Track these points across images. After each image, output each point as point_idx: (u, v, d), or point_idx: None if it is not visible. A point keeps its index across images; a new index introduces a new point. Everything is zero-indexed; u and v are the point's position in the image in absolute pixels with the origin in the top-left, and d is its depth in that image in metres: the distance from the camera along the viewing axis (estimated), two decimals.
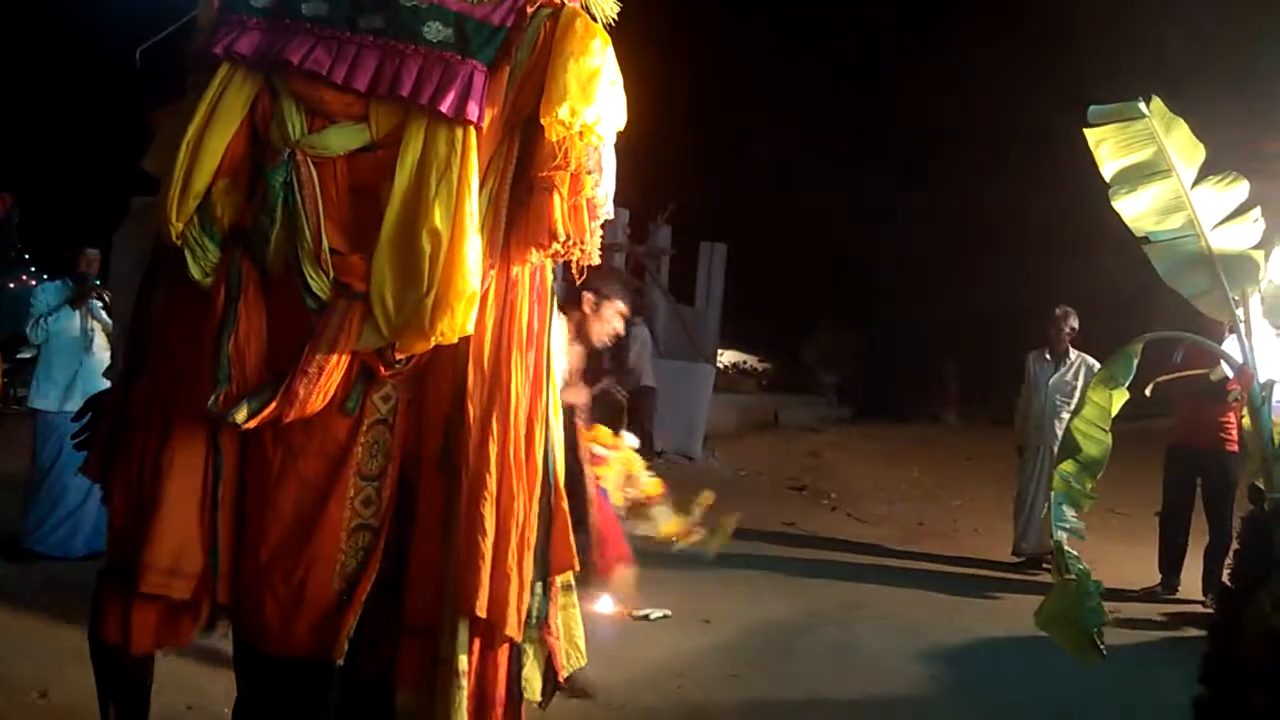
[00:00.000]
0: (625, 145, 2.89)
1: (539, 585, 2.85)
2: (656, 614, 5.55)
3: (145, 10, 3.33)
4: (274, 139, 2.70)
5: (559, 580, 2.99)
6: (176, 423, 2.71)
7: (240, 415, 2.59)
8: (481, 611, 2.65)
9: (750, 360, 20.98)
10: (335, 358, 2.64)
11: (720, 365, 16.73)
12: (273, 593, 2.69)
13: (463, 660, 2.69)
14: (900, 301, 18.82)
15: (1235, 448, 6.68)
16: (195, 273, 2.68)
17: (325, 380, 2.64)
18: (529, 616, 2.81)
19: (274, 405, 2.60)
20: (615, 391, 10.24)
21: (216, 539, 2.73)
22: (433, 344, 2.66)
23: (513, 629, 2.71)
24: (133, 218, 3.58)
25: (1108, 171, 3.61)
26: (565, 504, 2.97)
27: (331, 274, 2.65)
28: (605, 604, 5.52)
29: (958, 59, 18.60)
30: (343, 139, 2.70)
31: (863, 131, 20.18)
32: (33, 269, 20.62)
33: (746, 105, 21.46)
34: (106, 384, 3.36)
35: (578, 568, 3.03)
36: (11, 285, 18.79)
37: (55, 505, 6.03)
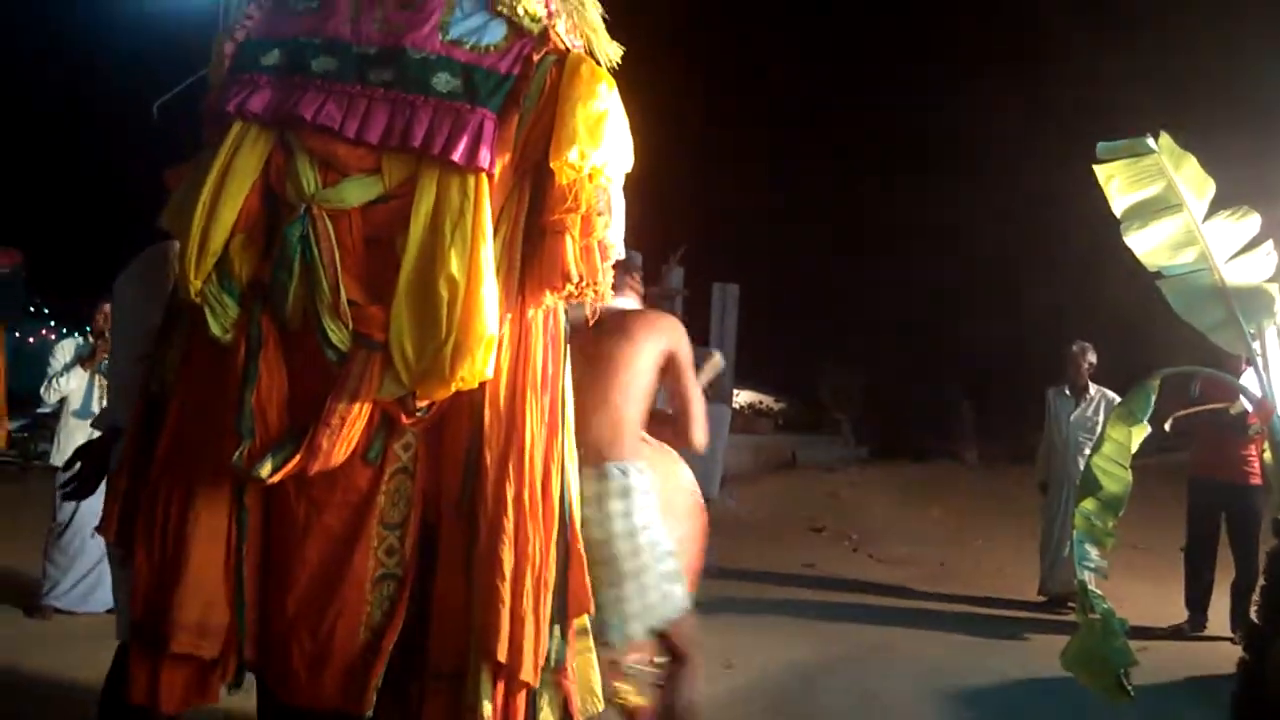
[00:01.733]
0: (636, 187, 2.94)
1: (556, 628, 2.83)
2: None
3: (159, 65, 3.40)
4: (289, 194, 2.73)
5: (575, 624, 2.97)
6: (200, 479, 2.71)
7: (265, 470, 2.60)
8: (502, 656, 2.64)
9: (766, 400, 20.95)
10: (357, 408, 2.65)
11: (736, 406, 16.70)
12: (300, 646, 2.69)
13: (487, 707, 2.67)
14: (915, 339, 18.80)
15: (1259, 480, 6.61)
16: (215, 329, 2.70)
17: (348, 431, 2.65)
18: (547, 660, 2.78)
19: (298, 458, 2.61)
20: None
21: (242, 595, 2.73)
22: (453, 390, 2.68)
23: (529, 674, 2.69)
24: (134, 270, 3.62)
25: (1118, 207, 3.62)
26: (581, 546, 2.97)
27: (350, 325, 2.67)
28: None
29: (968, 94, 18.72)
30: (357, 191, 2.73)
31: (873, 168, 20.29)
32: (51, 323, 20.86)
33: (757, 145, 21.62)
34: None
35: (592, 611, 3.01)
36: (31, 340, 18.99)
37: (75, 561, 6.05)
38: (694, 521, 3.59)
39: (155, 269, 3.53)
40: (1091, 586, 3.37)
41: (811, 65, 21.00)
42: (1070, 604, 7.11)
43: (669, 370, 3.42)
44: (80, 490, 3.36)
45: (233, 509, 2.74)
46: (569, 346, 2.98)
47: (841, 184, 20.37)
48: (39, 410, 9.32)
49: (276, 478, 2.62)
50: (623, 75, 2.89)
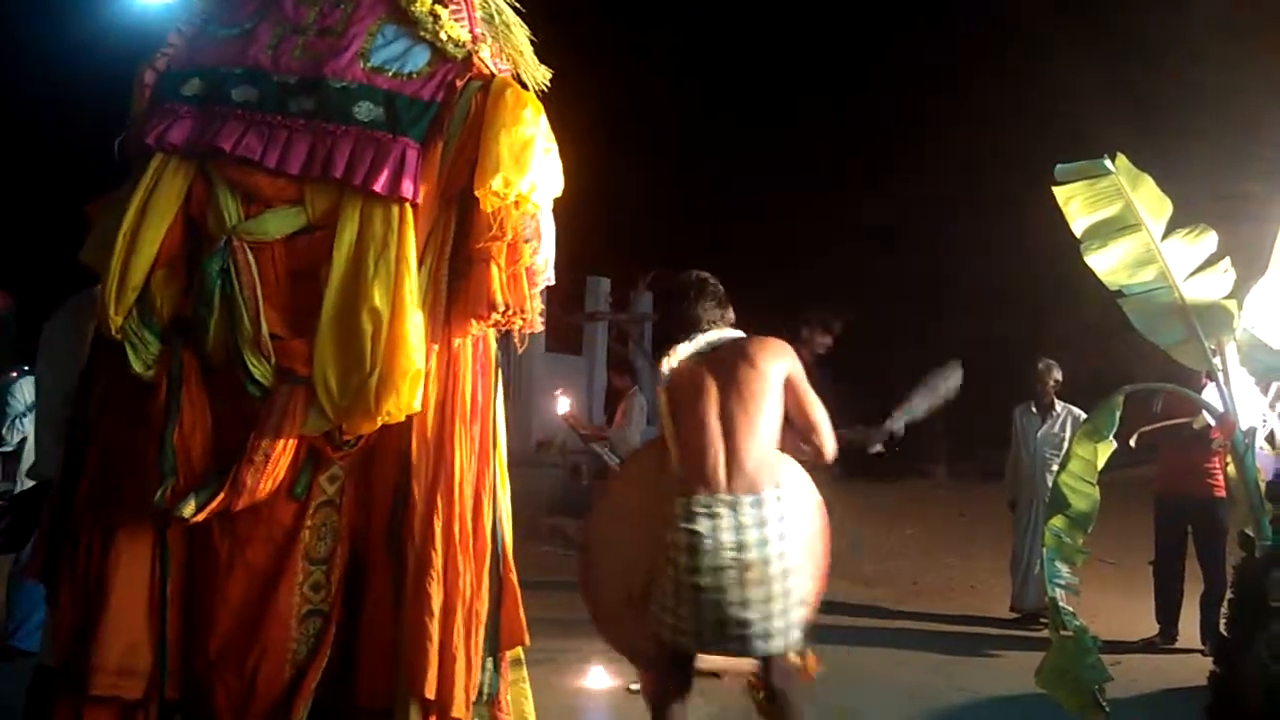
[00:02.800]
0: (604, 213, 2.92)
1: (489, 661, 2.80)
2: None
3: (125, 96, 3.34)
4: (211, 226, 2.68)
5: (509, 655, 2.95)
6: (122, 519, 2.65)
7: (188, 509, 2.54)
8: (430, 693, 2.60)
9: None
10: (281, 443, 2.60)
11: None
12: (224, 685, 2.63)
13: None
14: (881, 359, 18.94)
15: (1223, 493, 6.69)
16: (137, 366, 2.64)
17: (273, 467, 2.60)
18: (480, 693, 2.76)
19: (222, 496, 2.56)
20: (608, 457, 10.23)
21: (165, 635, 2.66)
22: (379, 424, 2.64)
23: (460, 710, 2.65)
24: (66, 311, 3.56)
25: (1078, 227, 3.68)
26: (514, 576, 2.94)
27: (273, 359, 2.63)
28: (599, 678, 5.45)
29: (932, 116, 18.95)
30: (279, 223, 2.68)
31: (838, 190, 20.47)
32: (25, 367, 20.41)
33: (724, 169, 21.75)
34: None
35: (527, 642, 2.99)
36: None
37: (39, 602, 5.93)
38: (825, 536, 3.56)
39: (87, 312, 3.48)
40: (1063, 603, 3.39)
41: (784, 82, 21.20)
42: (1042, 619, 7.15)
43: (790, 389, 3.39)
44: (11, 542, 3.30)
45: (155, 548, 2.67)
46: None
47: (814, 203, 20.52)
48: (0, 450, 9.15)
49: (200, 516, 2.56)
50: (582, 98, 2.87)
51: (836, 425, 3.42)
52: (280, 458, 2.61)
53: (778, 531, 3.21)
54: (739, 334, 3.50)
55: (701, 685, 5.61)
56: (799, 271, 21.09)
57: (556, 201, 2.92)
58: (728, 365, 3.31)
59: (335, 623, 2.71)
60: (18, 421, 6.22)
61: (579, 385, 12.19)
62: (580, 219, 3.00)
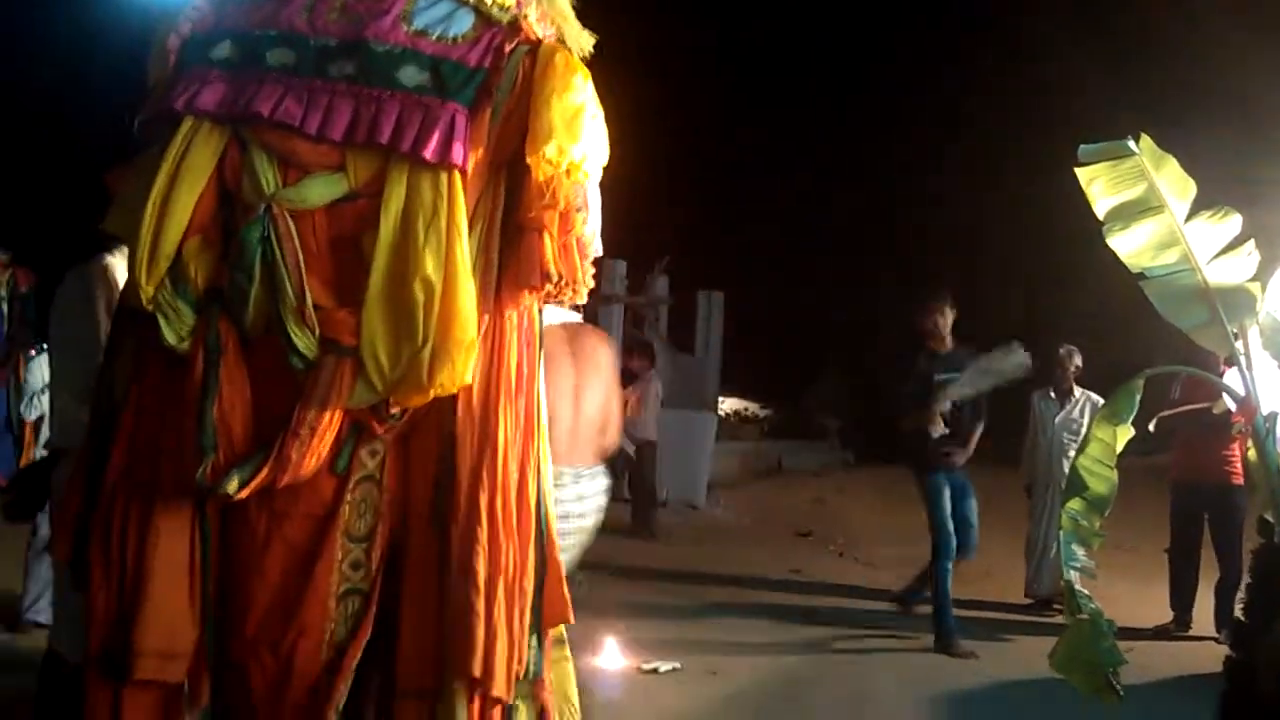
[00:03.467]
0: (621, 196, 2.86)
1: (533, 639, 2.74)
2: (665, 667, 5.48)
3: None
4: (246, 194, 2.59)
5: (552, 633, 2.89)
6: (159, 497, 2.56)
7: (232, 486, 2.46)
8: (476, 671, 2.53)
9: (751, 407, 20.94)
10: (327, 416, 2.52)
11: (722, 413, 16.70)
12: (260, 665, 2.55)
13: None
14: (899, 343, 18.86)
15: (1240, 480, 6.65)
16: (170, 338, 2.55)
17: (318, 441, 2.52)
18: (526, 672, 2.69)
19: (266, 472, 2.48)
20: (624, 443, 10.26)
21: (210, 613, 2.59)
22: (431, 397, 2.56)
23: (501, 689, 2.58)
24: (75, 276, 3.51)
25: (1100, 209, 3.64)
26: (559, 554, 2.88)
27: (317, 330, 2.53)
28: (613, 657, 5.46)
29: (949, 102, 18.84)
30: (321, 190, 2.59)
31: (858, 173, 20.37)
32: (44, 344, 20.55)
33: (740, 153, 21.67)
34: None
35: (571, 620, 2.92)
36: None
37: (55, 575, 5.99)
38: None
39: (97, 276, 3.41)
40: (1078, 586, 3.37)
41: (796, 70, 21.08)
42: (1056, 605, 7.14)
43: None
44: (18, 513, 3.28)
45: (194, 525, 2.59)
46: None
47: (826, 190, 20.43)
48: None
49: (244, 493, 2.48)
50: (600, 74, 2.83)
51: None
52: (326, 431, 2.52)
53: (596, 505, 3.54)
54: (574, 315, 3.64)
55: (715, 666, 5.64)
56: (815, 258, 21.03)
57: None
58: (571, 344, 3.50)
59: (375, 603, 2.62)
60: (35, 398, 6.27)
61: None
62: (600, 200, 2.95)
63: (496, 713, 2.64)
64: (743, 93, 21.48)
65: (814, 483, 14.20)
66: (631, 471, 10.35)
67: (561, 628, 2.97)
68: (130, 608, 2.53)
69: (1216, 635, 6.47)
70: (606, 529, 11.02)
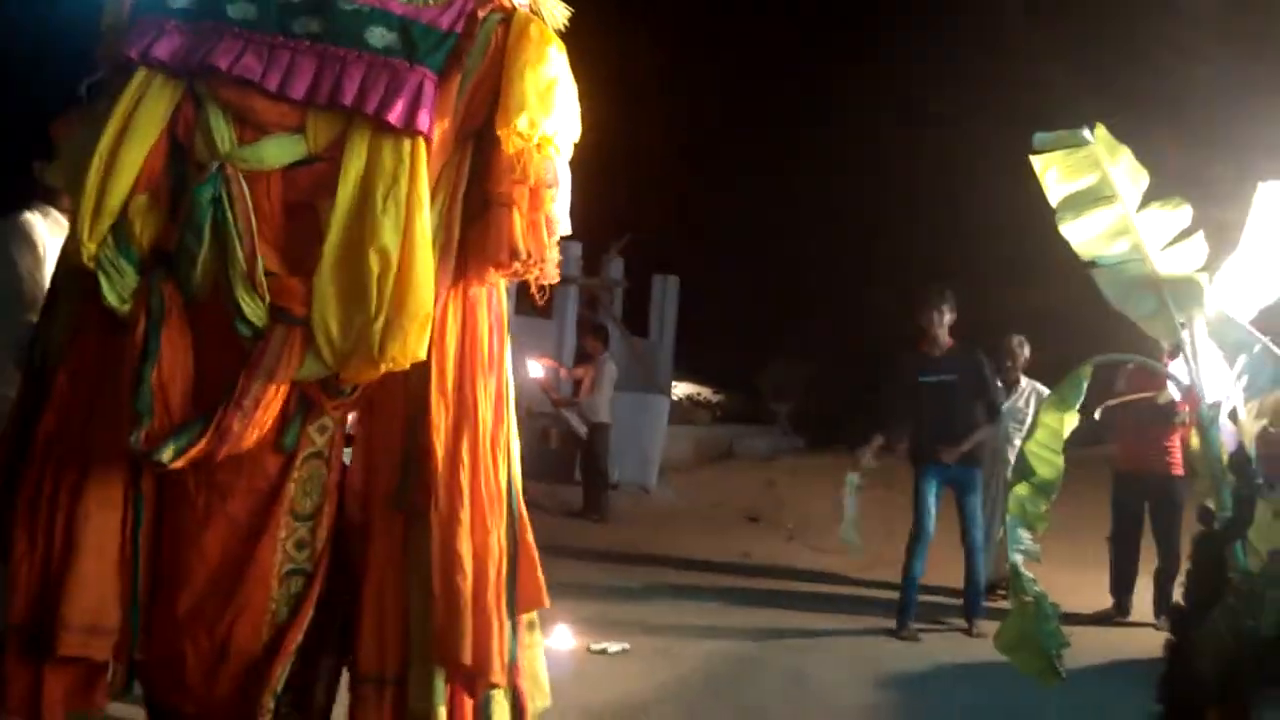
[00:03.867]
0: (577, 176, 2.79)
1: (509, 624, 2.68)
2: (615, 648, 5.48)
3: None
4: (199, 151, 2.49)
5: (524, 618, 2.84)
6: (91, 462, 2.46)
7: (166, 454, 2.37)
8: (467, 659, 2.46)
9: (704, 391, 21.01)
10: (273, 388, 2.44)
11: (674, 397, 16.73)
12: (194, 645, 2.46)
13: (441, 712, 2.51)
14: (849, 330, 19.00)
15: (1180, 471, 6.79)
16: (111, 298, 2.45)
17: (262, 414, 2.43)
18: (507, 658, 2.64)
19: (204, 442, 2.39)
20: (575, 424, 10.23)
21: (137, 590, 2.50)
22: (383, 371, 2.48)
23: (498, 674, 2.53)
24: (11, 231, 3.38)
25: (1054, 197, 3.66)
26: (530, 536, 2.83)
27: (267, 298, 2.46)
28: (563, 638, 5.45)
29: (906, 86, 18.97)
30: (278, 151, 2.51)
31: (813, 157, 20.45)
32: None
33: (697, 136, 21.65)
34: None
35: (546, 604, 2.88)
36: None
37: None
38: None
39: (14, 235, 3.29)
40: (1023, 570, 3.41)
41: (758, 54, 21.08)
42: (1000, 590, 7.25)
43: None
44: None
45: (128, 495, 2.50)
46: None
47: (781, 173, 20.49)
48: None
49: (179, 463, 2.39)
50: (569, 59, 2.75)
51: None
52: (271, 404, 2.45)
53: None
54: None
55: (665, 647, 5.65)
56: (769, 246, 21.11)
57: None
58: None
59: (319, 583, 2.56)
60: None
61: (548, 349, 12.16)
62: None
63: (470, 701, 2.60)
64: (703, 75, 21.45)
65: (765, 467, 14.25)
66: (583, 453, 10.33)
67: (534, 613, 2.90)
68: (56, 579, 2.42)
69: (1155, 621, 6.61)
70: (558, 510, 11.02)
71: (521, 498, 2.83)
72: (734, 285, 20.38)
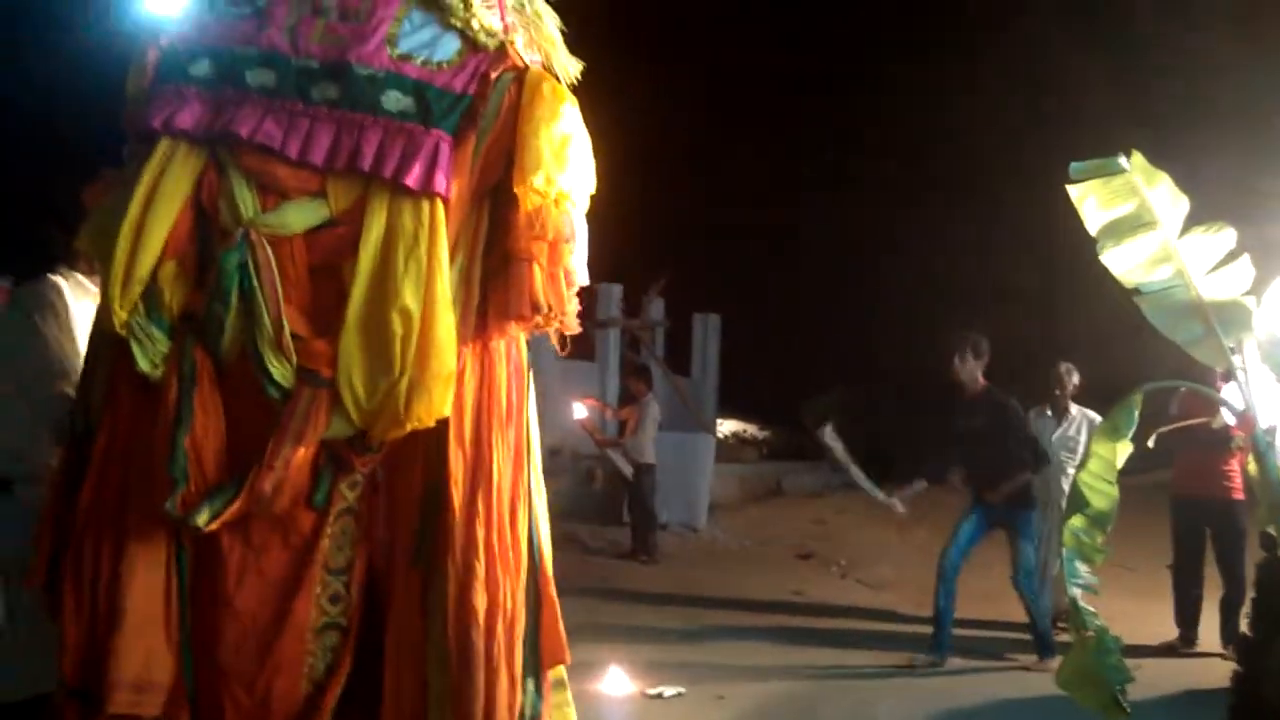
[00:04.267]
0: (616, 219, 2.83)
1: (530, 681, 2.67)
2: (670, 692, 5.45)
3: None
4: (224, 218, 2.54)
5: (551, 675, 2.81)
6: (133, 525, 2.50)
7: (202, 518, 2.42)
8: (478, 714, 2.47)
9: (750, 429, 20.91)
10: (303, 449, 2.47)
11: (720, 435, 16.68)
12: (234, 702, 2.48)
13: None
14: (897, 362, 18.86)
15: (1241, 495, 6.65)
16: (144, 364, 2.50)
17: (293, 474, 2.47)
18: (522, 715, 2.62)
19: (238, 504, 2.43)
20: (621, 464, 10.23)
21: (189, 645, 2.53)
22: (408, 429, 2.51)
23: None
24: (14, 307, 3.42)
25: (1093, 226, 3.65)
26: (553, 590, 2.82)
27: (294, 360, 2.49)
28: (618, 683, 5.43)
29: (947, 115, 18.93)
30: (300, 216, 2.55)
31: (851, 193, 20.44)
32: None
33: (736, 175, 21.75)
34: None
35: (569, 660, 2.86)
36: None
37: None
38: None
39: (38, 304, 3.30)
40: (1083, 603, 3.35)
41: (792, 92, 21.19)
42: (1060, 624, 7.11)
43: None
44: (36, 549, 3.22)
45: (171, 551, 2.53)
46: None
47: (820, 211, 20.49)
48: None
49: (214, 525, 2.43)
50: (596, 96, 2.80)
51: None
52: (301, 464, 2.48)
53: None
54: None
55: (721, 690, 5.60)
56: (812, 279, 21.06)
57: None
58: None
59: (354, 636, 2.58)
60: None
61: (592, 392, 12.19)
62: (592, 226, 2.93)
63: None
64: (739, 114, 21.59)
65: (814, 504, 14.12)
66: (630, 494, 10.32)
67: (561, 670, 2.88)
68: (104, 639, 2.46)
69: (1223, 651, 6.44)
70: (607, 552, 11.01)
71: (547, 549, 2.82)
72: (776, 321, 20.35)
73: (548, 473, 10.26)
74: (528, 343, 2.77)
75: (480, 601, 2.52)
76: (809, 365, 20.19)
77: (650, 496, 10.13)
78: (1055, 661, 6.11)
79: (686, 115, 20.29)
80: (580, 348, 15.69)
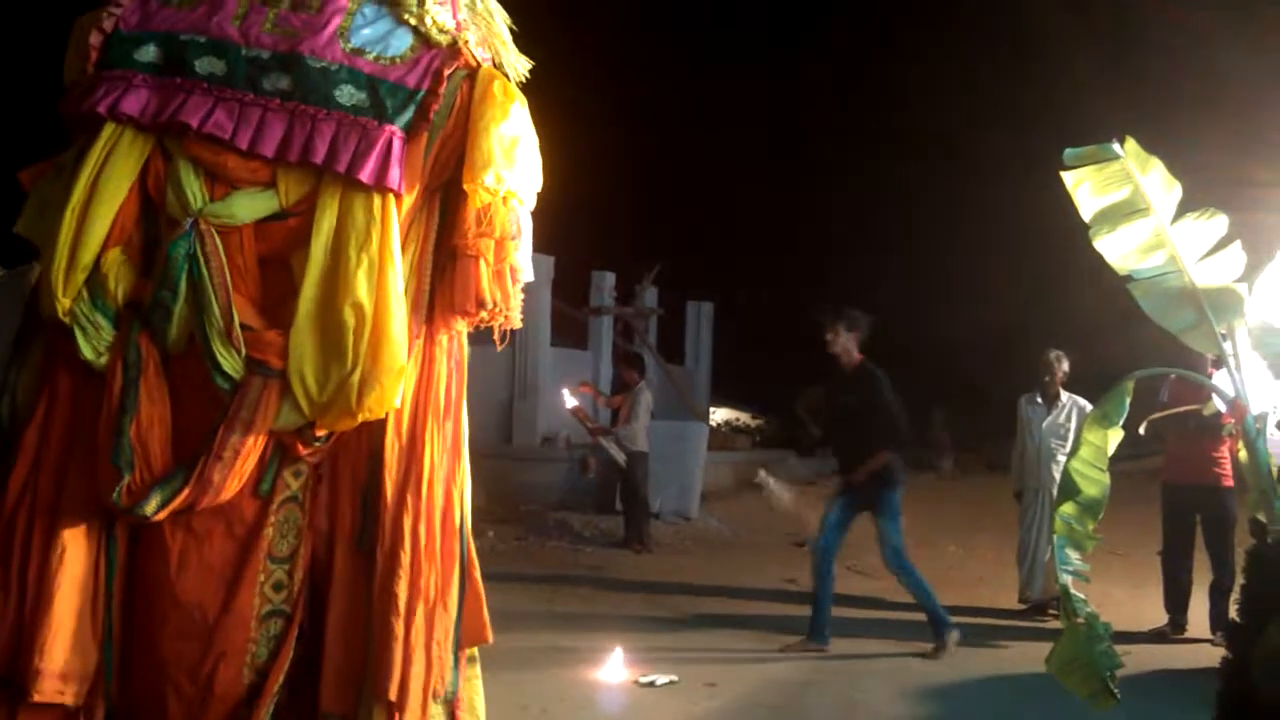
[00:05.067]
0: (609, 208, 2.86)
1: (451, 659, 2.73)
2: (662, 680, 5.46)
3: None
4: (171, 206, 2.54)
5: (466, 652, 2.89)
6: (66, 513, 2.49)
7: (150, 507, 2.42)
8: (392, 695, 2.52)
9: (742, 417, 20.96)
10: (252, 439, 2.48)
11: (712, 423, 16.70)
12: (177, 690, 2.49)
13: None
14: (885, 349, 18.89)
15: (1230, 482, 6.67)
16: (87, 352, 2.48)
17: (241, 464, 2.48)
18: (446, 691, 2.69)
19: (186, 493, 2.44)
20: (614, 452, 10.23)
21: (111, 636, 2.53)
22: (359, 421, 2.54)
23: (415, 713, 2.57)
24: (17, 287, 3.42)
25: (1087, 212, 3.64)
26: (477, 574, 2.88)
27: (244, 351, 2.50)
28: (611, 671, 5.44)
29: (939, 104, 18.95)
30: (249, 207, 2.55)
31: (842, 180, 20.46)
32: None
33: (728, 163, 21.73)
34: None
35: (489, 639, 2.93)
36: None
37: None
38: None
39: (17, 293, 3.35)
40: (1073, 590, 3.36)
41: (787, 80, 21.18)
42: (1050, 611, 7.14)
43: None
44: None
45: (101, 546, 2.53)
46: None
47: (810, 197, 20.51)
48: None
49: (162, 515, 2.44)
50: (591, 86, 2.81)
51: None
52: (249, 454, 2.49)
53: None
54: None
55: (713, 677, 5.61)
56: (802, 265, 21.09)
57: (563, 196, 2.87)
58: None
59: (297, 624, 2.60)
60: None
61: (584, 380, 12.19)
62: (585, 215, 2.94)
63: None
64: (732, 104, 21.58)
65: (807, 492, 14.16)
66: (623, 483, 10.33)
67: (475, 648, 2.95)
68: (30, 627, 2.45)
69: (1212, 637, 6.47)
70: (599, 541, 11.03)
71: (470, 536, 2.87)
72: (769, 309, 20.38)
73: (541, 461, 10.45)
74: (499, 335, 2.76)
75: (401, 589, 2.58)
76: (802, 354, 20.25)
77: (644, 485, 10.14)
78: (953, 637, 6.16)
79: (686, 103, 20.27)
80: (573, 335, 15.77)
